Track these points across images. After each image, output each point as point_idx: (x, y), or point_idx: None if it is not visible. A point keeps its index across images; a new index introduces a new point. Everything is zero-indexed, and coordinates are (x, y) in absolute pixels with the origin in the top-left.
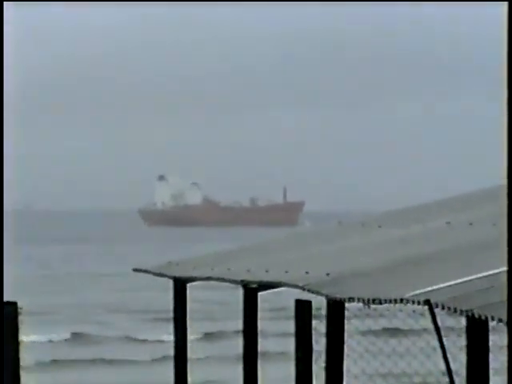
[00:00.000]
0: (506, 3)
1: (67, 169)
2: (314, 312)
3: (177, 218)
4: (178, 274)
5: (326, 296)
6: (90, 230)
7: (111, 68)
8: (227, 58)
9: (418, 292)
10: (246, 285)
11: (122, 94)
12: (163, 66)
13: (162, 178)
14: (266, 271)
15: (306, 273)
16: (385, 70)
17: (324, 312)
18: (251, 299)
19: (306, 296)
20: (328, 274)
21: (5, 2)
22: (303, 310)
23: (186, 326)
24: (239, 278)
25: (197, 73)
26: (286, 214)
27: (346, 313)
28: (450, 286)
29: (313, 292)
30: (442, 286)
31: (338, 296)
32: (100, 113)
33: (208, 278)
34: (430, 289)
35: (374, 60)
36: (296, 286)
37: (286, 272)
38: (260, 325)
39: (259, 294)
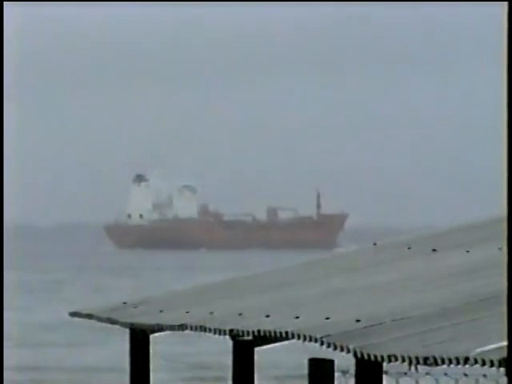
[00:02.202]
0: (505, 3)
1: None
2: (336, 375)
3: (160, 236)
4: (136, 321)
5: (356, 352)
6: (28, 256)
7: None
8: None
9: (488, 348)
10: (236, 336)
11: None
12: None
13: (140, 178)
14: (267, 316)
15: (327, 319)
16: None
17: (352, 375)
18: (244, 356)
19: (324, 353)
20: (358, 321)
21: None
22: (321, 373)
23: None
24: (227, 327)
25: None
26: (319, 231)
27: (385, 378)
28: None
29: (336, 347)
30: None
31: (374, 353)
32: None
33: (181, 327)
34: (504, 343)
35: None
36: (311, 339)
37: (297, 318)
38: None
39: (256, 349)
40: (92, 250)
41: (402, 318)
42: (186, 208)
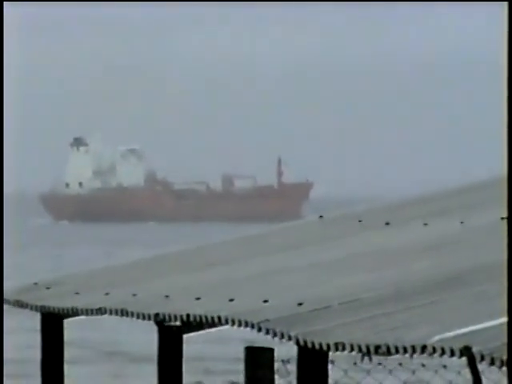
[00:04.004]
0: (505, 3)
1: None
2: (276, 367)
3: (102, 207)
4: (48, 303)
5: (298, 340)
6: None
7: None
8: None
9: (448, 335)
10: (162, 321)
11: None
12: None
13: (78, 142)
14: (197, 299)
15: (265, 302)
16: None
17: (294, 367)
18: (171, 344)
19: (262, 340)
20: (301, 304)
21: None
22: (259, 364)
23: None
24: (152, 311)
25: None
26: (281, 201)
27: (331, 368)
28: (495, 326)
29: (276, 333)
30: (485, 325)
31: (319, 340)
32: None
33: (99, 311)
34: (466, 330)
35: None
36: (248, 324)
37: (231, 301)
38: None
39: (185, 336)
40: (24, 223)
41: (351, 301)
42: (130, 175)
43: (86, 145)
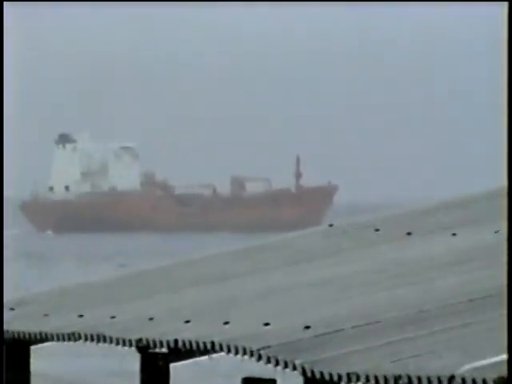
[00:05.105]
0: (506, 3)
1: None
2: None
3: (92, 215)
4: (12, 327)
5: (305, 369)
6: None
7: None
8: None
9: (480, 364)
10: (145, 348)
11: None
12: None
13: (64, 138)
14: (187, 322)
15: (266, 325)
16: None
17: None
18: (157, 374)
19: (262, 370)
20: (308, 328)
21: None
22: None
23: None
24: (133, 336)
25: None
26: (300, 208)
27: None
28: None
29: (278, 362)
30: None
31: (329, 370)
32: None
33: (72, 336)
34: (501, 358)
35: None
36: (246, 351)
37: (226, 324)
38: None
39: (172, 365)
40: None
41: (367, 324)
42: (125, 177)
43: (73, 142)
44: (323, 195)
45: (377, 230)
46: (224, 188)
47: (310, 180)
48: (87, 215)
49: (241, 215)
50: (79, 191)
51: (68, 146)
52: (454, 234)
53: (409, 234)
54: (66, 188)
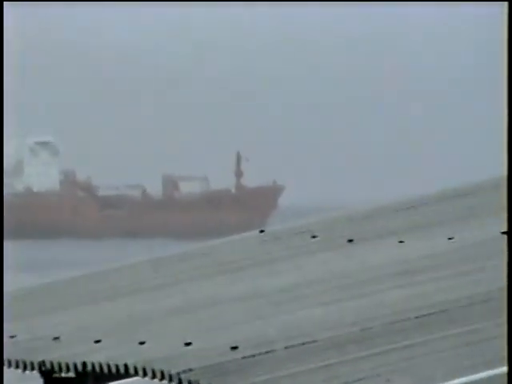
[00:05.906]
0: (505, 3)
1: None
2: None
3: (3, 219)
4: None
5: None
6: None
7: None
8: None
9: None
10: (49, 372)
11: None
12: None
13: None
14: (97, 341)
15: (187, 345)
16: None
17: None
18: None
19: None
20: (235, 348)
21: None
22: None
23: None
24: (36, 358)
25: None
26: (241, 211)
27: None
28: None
29: None
30: (480, 376)
31: None
32: None
33: None
34: (455, 383)
35: None
36: (164, 375)
37: (142, 344)
38: None
39: None
40: None
41: (302, 344)
42: (42, 176)
43: None
44: (267, 196)
45: (314, 237)
46: (155, 188)
47: (253, 179)
48: None
49: (174, 219)
50: None
51: None
52: (401, 242)
53: (350, 241)
54: None
